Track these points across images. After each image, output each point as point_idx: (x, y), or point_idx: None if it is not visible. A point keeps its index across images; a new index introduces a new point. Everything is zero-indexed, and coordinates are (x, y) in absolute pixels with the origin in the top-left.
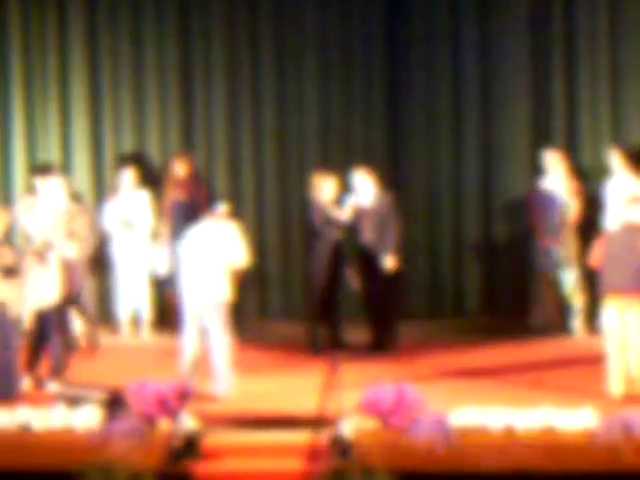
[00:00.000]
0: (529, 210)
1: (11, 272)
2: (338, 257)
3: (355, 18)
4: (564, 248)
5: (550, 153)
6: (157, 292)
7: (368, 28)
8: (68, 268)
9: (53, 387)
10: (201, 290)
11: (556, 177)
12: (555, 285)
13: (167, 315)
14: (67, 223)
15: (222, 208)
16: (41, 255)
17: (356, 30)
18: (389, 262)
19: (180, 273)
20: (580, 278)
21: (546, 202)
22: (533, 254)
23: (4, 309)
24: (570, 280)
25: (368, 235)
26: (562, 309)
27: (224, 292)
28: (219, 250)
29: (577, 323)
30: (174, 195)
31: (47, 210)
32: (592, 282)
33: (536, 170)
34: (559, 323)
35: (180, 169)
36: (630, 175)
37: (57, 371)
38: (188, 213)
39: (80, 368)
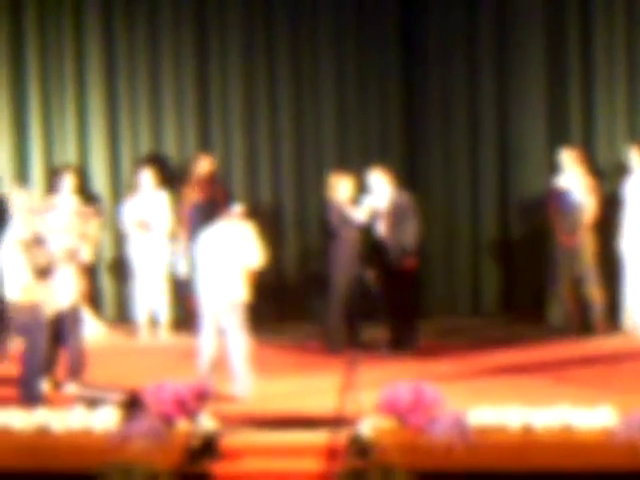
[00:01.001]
0: (547, 209)
1: (45, 273)
2: (356, 257)
3: (370, 18)
4: (582, 246)
5: (566, 152)
6: (175, 293)
7: (384, 29)
8: (82, 269)
9: (71, 388)
10: (218, 291)
11: (572, 175)
12: (574, 283)
13: (185, 316)
14: (80, 225)
15: (238, 209)
16: (67, 261)
17: (371, 30)
18: (407, 261)
19: (197, 274)
20: (599, 275)
21: (563, 200)
22: (552, 252)
23: (39, 311)
24: (588, 278)
25: (385, 235)
26: (582, 307)
27: (241, 293)
28: (235, 251)
29: (597, 321)
30: (192, 196)
31: (61, 212)
32: (611, 279)
33: (553, 169)
34: (579, 322)
35: (204, 167)
36: None
37: (75, 372)
38: (206, 214)
39: (98, 369)
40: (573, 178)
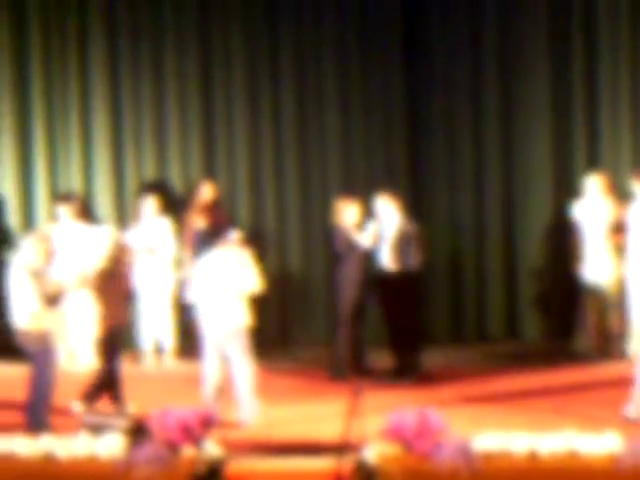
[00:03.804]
0: (569, 236)
1: (54, 301)
2: (362, 282)
3: (374, 43)
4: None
5: (594, 177)
6: (181, 319)
7: (388, 54)
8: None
9: (77, 407)
10: (219, 317)
11: (597, 202)
12: (599, 312)
13: (192, 343)
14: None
15: (235, 235)
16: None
17: (376, 56)
18: (412, 287)
19: (198, 300)
20: (621, 304)
21: (580, 228)
22: (577, 279)
23: (48, 338)
24: (612, 307)
25: (391, 261)
26: (605, 336)
27: (242, 319)
28: (232, 277)
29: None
30: (196, 222)
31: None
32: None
33: (559, 195)
34: (601, 349)
35: (207, 193)
36: None
37: (86, 394)
38: (210, 240)
39: (103, 396)
40: (598, 205)
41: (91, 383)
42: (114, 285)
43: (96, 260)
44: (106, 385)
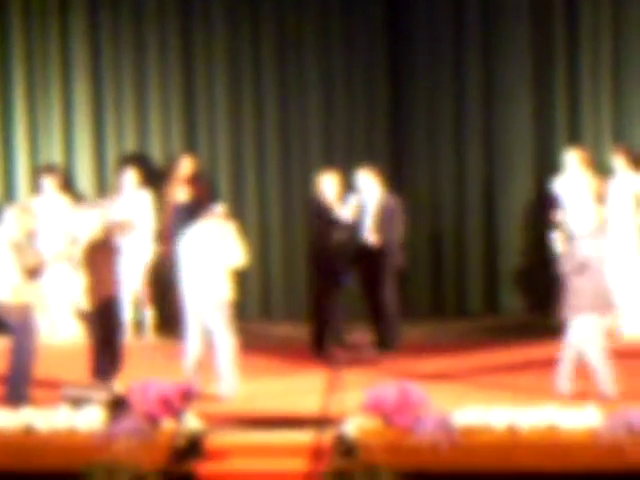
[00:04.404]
0: (546, 211)
1: (35, 274)
2: (342, 257)
3: (357, 16)
4: None
5: (572, 152)
6: (161, 293)
7: (370, 28)
8: None
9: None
10: (201, 290)
11: (576, 177)
12: None
13: (171, 316)
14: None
15: (219, 209)
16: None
17: (358, 29)
18: (393, 261)
19: (180, 274)
20: None
21: (560, 203)
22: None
23: (28, 312)
24: None
25: (371, 235)
26: None
27: (224, 292)
28: (216, 250)
29: None
30: (176, 195)
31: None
32: None
33: (540, 168)
34: None
35: (185, 167)
36: (635, 174)
37: (96, 371)
38: (190, 214)
39: (83, 369)
40: (577, 180)
41: (94, 359)
42: (105, 257)
43: (86, 233)
44: (111, 356)
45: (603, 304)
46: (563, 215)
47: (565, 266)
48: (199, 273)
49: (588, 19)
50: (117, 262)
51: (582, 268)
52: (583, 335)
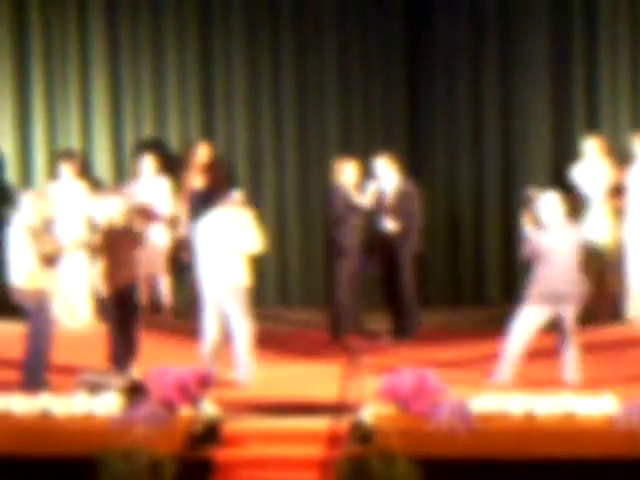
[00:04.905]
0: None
1: (51, 260)
2: (360, 243)
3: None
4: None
5: (591, 140)
6: (178, 278)
7: (388, 13)
8: None
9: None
10: (218, 276)
11: (595, 166)
12: (596, 273)
13: (189, 301)
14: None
15: (237, 195)
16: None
17: (376, 14)
18: (411, 249)
19: (197, 259)
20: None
21: (579, 191)
22: None
23: (43, 297)
24: (610, 268)
25: (390, 222)
26: (606, 297)
27: (241, 278)
28: (233, 237)
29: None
30: (193, 182)
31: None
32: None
33: (558, 156)
34: (603, 311)
35: (202, 154)
36: None
37: (114, 359)
38: (207, 200)
39: (100, 354)
40: (596, 168)
41: (111, 345)
42: (124, 244)
43: (105, 218)
44: (128, 342)
45: (557, 297)
46: (534, 193)
47: (523, 251)
48: (216, 259)
49: (606, 4)
50: (137, 248)
51: (540, 259)
52: (528, 324)
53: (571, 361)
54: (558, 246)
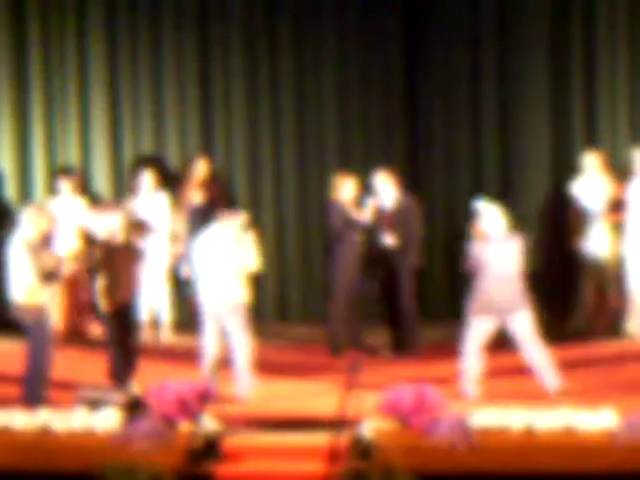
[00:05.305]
0: (567, 214)
1: (50, 277)
2: (358, 259)
3: (374, 26)
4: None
5: (591, 155)
6: (178, 294)
7: (387, 28)
8: None
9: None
10: (217, 292)
11: (594, 181)
12: (598, 289)
13: (189, 317)
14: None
15: (240, 218)
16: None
17: (374, 30)
18: (411, 263)
19: (196, 275)
20: (619, 280)
21: (578, 205)
22: (575, 258)
23: (42, 314)
24: (610, 283)
25: (389, 237)
26: (605, 312)
27: (240, 294)
28: (231, 253)
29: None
30: (192, 197)
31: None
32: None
33: (557, 172)
34: (602, 326)
35: (201, 169)
36: None
37: (113, 374)
38: (206, 215)
39: (100, 370)
40: (595, 184)
41: (110, 360)
42: (124, 260)
43: (104, 234)
44: (127, 357)
45: (496, 308)
46: (481, 206)
47: (465, 264)
48: (214, 275)
49: (605, 17)
50: (137, 264)
51: (480, 270)
52: (478, 338)
53: (545, 369)
54: (498, 258)
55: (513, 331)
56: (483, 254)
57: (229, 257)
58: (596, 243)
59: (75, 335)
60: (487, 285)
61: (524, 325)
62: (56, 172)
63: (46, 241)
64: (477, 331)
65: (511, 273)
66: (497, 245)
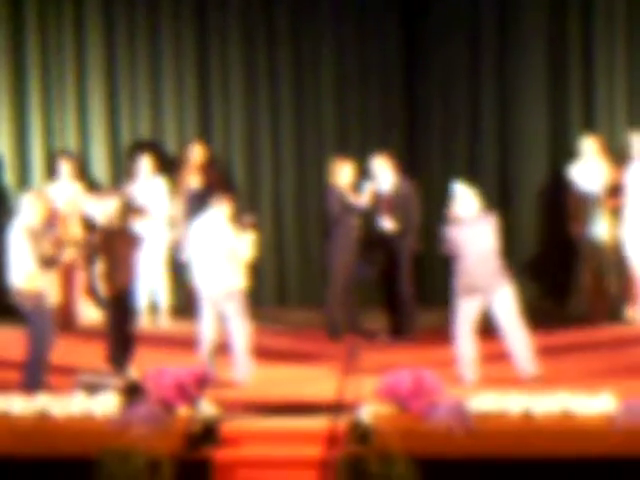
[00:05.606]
0: (565, 198)
1: (50, 263)
2: (356, 243)
3: (372, 9)
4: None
5: (589, 139)
6: (176, 278)
7: (385, 14)
8: None
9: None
10: (213, 277)
11: (592, 165)
12: (596, 274)
13: (187, 302)
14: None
15: (248, 219)
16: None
17: (373, 15)
18: (409, 248)
19: (192, 260)
20: (618, 265)
21: (576, 189)
22: (573, 243)
23: (42, 299)
24: (609, 268)
25: (387, 221)
26: (604, 297)
27: (236, 279)
28: (225, 240)
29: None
30: (190, 182)
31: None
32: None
33: (554, 156)
34: (601, 311)
35: (198, 155)
36: None
37: (111, 358)
38: (204, 200)
39: (98, 355)
40: (593, 168)
41: (109, 345)
42: (122, 244)
43: (103, 219)
44: (125, 342)
45: (478, 288)
46: (457, 189)
47: (442, 247)
48: (209, 261)
49: (602, 12)
50: (135, 249)
51: (458, 252)
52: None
53: (522, 354)
54: (473, 238)
55: (495, 312)
56: (459, 236)
57: (223, 243)
58: (595, 228)
59: (65, 324)
60: (467, 266)
61: (505, 303)
62: (54, 157)
63: (45, 227)
64: (465, 313)
65: (487, 252)
66: (471, 226)
